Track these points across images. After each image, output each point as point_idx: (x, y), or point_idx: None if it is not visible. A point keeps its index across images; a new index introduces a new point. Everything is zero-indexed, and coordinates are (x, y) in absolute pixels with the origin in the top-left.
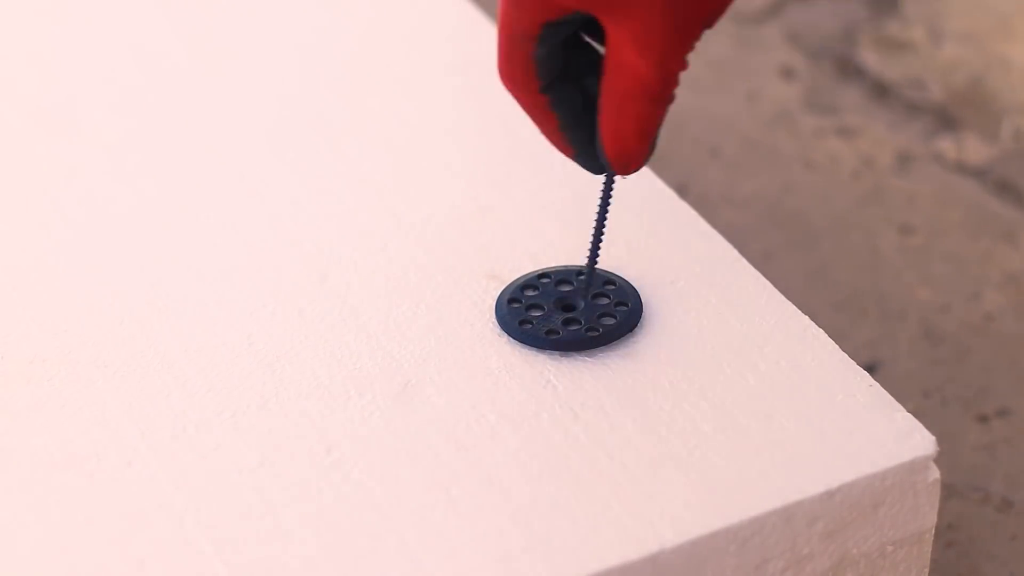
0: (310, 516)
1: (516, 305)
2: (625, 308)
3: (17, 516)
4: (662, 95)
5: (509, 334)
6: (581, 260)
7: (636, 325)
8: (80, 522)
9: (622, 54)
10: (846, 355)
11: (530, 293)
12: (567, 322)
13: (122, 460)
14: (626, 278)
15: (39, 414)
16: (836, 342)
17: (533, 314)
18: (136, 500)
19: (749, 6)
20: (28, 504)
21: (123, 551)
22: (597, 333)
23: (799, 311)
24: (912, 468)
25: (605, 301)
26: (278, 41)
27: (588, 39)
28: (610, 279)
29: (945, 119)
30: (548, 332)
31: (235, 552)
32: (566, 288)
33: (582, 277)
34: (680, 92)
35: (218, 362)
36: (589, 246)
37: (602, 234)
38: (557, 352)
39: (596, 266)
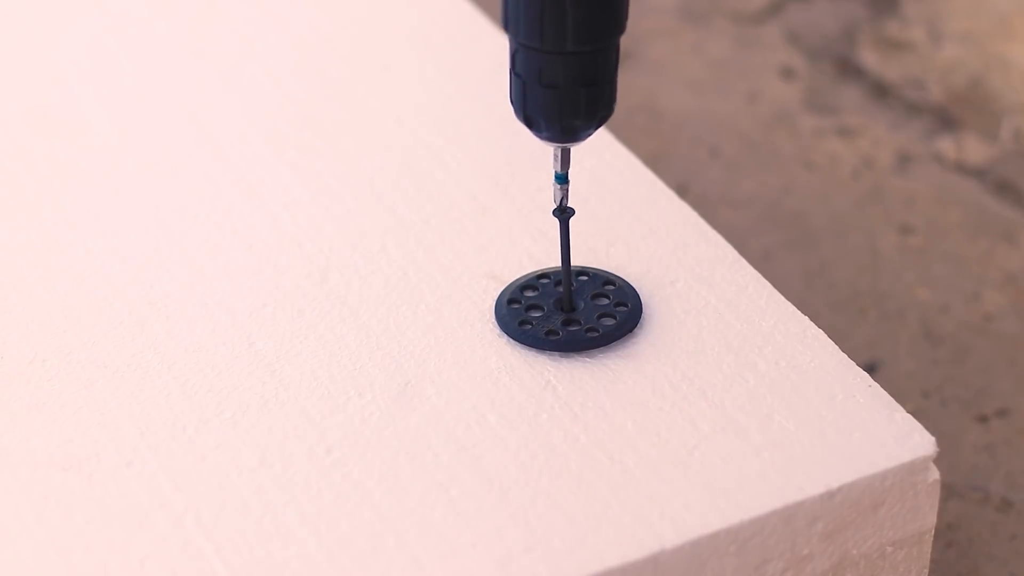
0: (310, 516)
1: (516, 306)
2: (625, 309)
3: (17, 516)
4: None
5: (509, 335)
6: (580, 261)
7: (636, 325)
8: (80, 522)
9: None
10: (846, 356)
11: (529, 294)
12: (566, 323)
13: (122, 460)
14: (626, 278)
15: (39, 414)
16: (836, 342)
17: (532, 315)
18: (136, 500)
19: (749, 6)
20: (28, 504)
21: (123, 551)
22: (597, 334)
23: (798, 311)
24: (912, 469)
25: (605, 301)
26: (278, 42)
27: None
28: (610, 279)
29: (945, 119)
30: (548, 333)
31: (235, 552)
32: (570, 287)
33: (583, 278)
34: (680, 92)
35: (218, 362)
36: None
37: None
38: (557, 352)
39: (591, 269)
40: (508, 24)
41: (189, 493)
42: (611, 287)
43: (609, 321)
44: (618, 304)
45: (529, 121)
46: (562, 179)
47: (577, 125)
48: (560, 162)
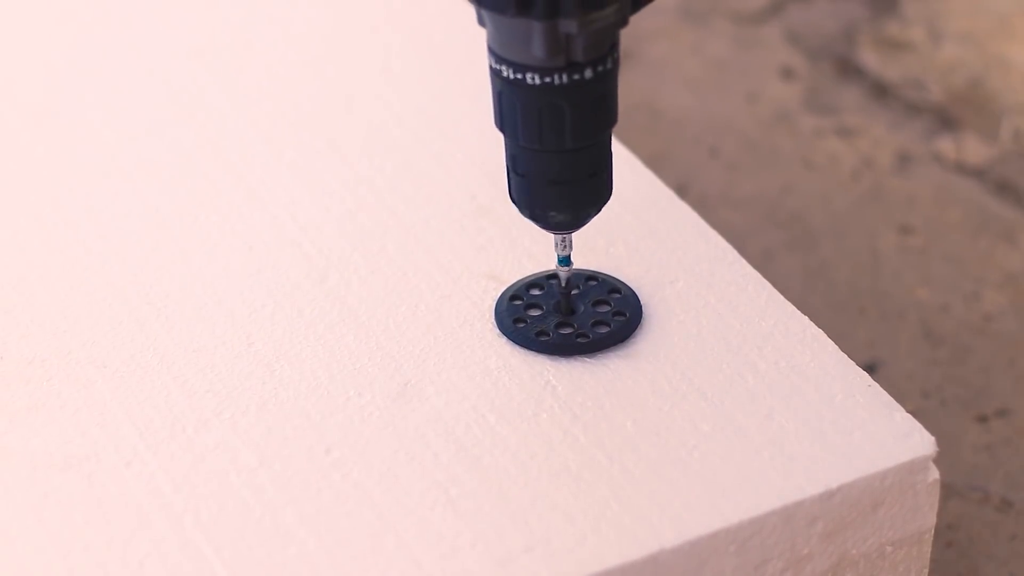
0: (309, 516)
1: (517, 302)
2: (622, 318)
3: (16, 516)
4: None
5: (502, 330)
6: (581, 262)
7: (629, 336)
8: (79, 523)
9: None
10: (845, 355)
11: (535, 292)
12: (560, 325)
13: (121, 460)
14: (626, 278)
15: (38, 414)
16: (835, 342)
17: (531, 313)
18: (135, 500)
19: (749, 6)
20: (27, 504)
21: (122, 552)
22: (587, 340)
23: (798, 311)
24: (911, 468)
25: (605, 309)
26: (278, 42)
27: None
28: (617, 288)
29: (945, 119)
30: (539, 333)
31: (234, 553)
32: (572, 292)
33: (591, 283)
34: (680, 92)
35: (217, 362)
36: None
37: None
38: (545, 354)
39: (602, 274)
40: (532, 136)
41: (188, 493)
42: (616, 295)
43: (603, 329)
44: (616, 313)
45: (571, 222)
46: (567, 261)
47: (605, 199)
48: (567, 246)
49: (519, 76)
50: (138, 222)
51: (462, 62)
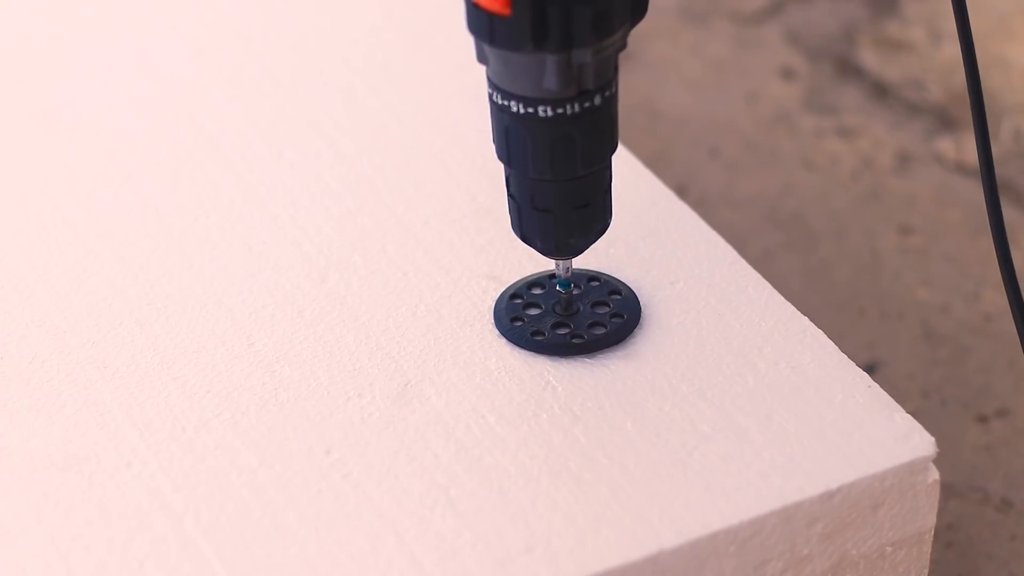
0: (309, 517)
1: (517, 301)
2: (620, 320)
3: (16, 516)
4: None
5: (499, 328)
6: (582, 264)
7: (624, 339)
8: (79, 523)
9: None
10: (845, 356)
11: (536, 291)
12: (556, 325)
13: (121, 461)
14: (626, 279)
15: (38, 415)
16: (836, 342)
17: (530, 312)
18: (135, 501)
19: (749, 6)
20: (27, 505)
21: (122, 552)
22: (582, 340)
23: (798, 312)
24: (911, 469)
25: (604, 310)
26: (278, 42)
27: None
28: (617, 289)
29: (945, 119)
30: (534, 333)
31: (234, 553)
32: (573, 291)
33: (593, 283)
34: (680, 92)
35: (217, 363)
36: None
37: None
38: (539, 353)
39: (604, 275)
40: (543, 167)
41: (188, 494)
42: (617, 296)
43: (599, 330)
44: (615, 315)
45: (567, 247)
46: (567, 285)
47: (601, 228)
48: (567, 270)
49: (530, 110)
50: (138, 222)
51: (462, 62)
